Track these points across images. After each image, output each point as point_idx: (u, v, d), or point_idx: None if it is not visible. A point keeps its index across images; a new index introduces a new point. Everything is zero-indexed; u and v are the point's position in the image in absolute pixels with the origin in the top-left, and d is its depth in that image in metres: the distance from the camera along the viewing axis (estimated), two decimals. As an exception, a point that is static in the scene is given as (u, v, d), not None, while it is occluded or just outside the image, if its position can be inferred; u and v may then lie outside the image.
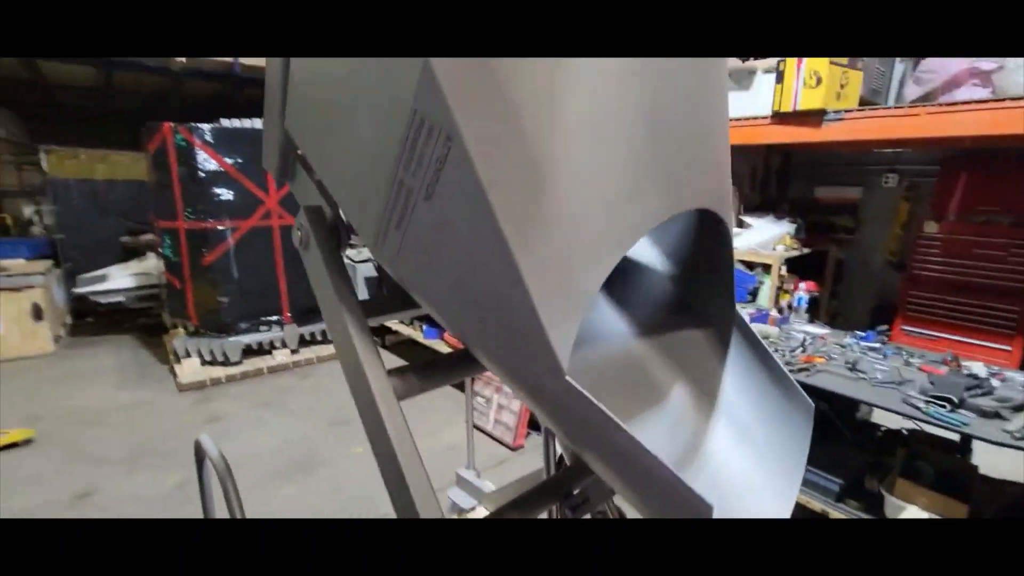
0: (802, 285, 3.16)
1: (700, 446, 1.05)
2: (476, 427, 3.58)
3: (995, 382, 2.07)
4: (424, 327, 4.63)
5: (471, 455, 2.57)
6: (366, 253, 5.79)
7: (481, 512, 2.02)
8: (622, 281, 1.29)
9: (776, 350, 2.51)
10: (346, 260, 5.25)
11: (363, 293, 5.19)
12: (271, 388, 4.32)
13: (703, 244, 1.17)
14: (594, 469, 0.86)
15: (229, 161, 4.21)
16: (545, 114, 0.69)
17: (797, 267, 4.23)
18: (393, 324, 5.01)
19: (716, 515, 0.95)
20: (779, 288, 3.74)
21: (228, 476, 1.42)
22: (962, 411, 1.89)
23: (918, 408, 1.93)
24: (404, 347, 5.22)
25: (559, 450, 1.38)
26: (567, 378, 0.71)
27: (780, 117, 3.14)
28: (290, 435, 3.51)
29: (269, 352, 4.71)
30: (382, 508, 2.76)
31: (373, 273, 5.28)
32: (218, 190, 4.20)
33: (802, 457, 0.99)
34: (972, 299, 3.54)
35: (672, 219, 1.30)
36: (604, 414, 0.70)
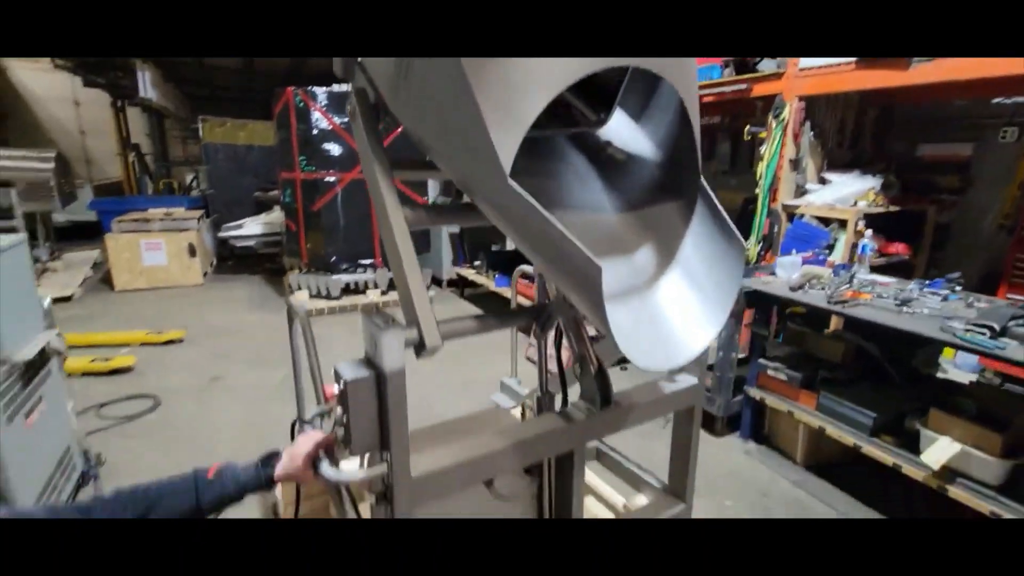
0: (868, 232, 3.01)
1: (653, 285, 1.26)
2: (527, 359, 3.87)
3: None
4: (496, 276, 5.00)
5: (515, 364, 2.86)
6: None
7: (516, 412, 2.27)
8: (619, 170, 1.50)
9: (823, 288, 2.49)
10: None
11: (446, 245, 5.67)
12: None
13: (681, 128, 1.34)
14: (541, 267, 1.11)
15: (338, 121, 4.84)
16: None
17: (887, 227, 3.95)
18: (471, 275, 5.45)
19: (651, 331, 1.16)
20: (855, 245, 3.55)
21: (307, 323, 1.85)
22: (1003, 339, 1.82)
23: (955, 334, 1.88)
24: (480, 298, 5.64)
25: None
26: (508, 181, 0.97)
27: (864, 61, 2.98)
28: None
29: (363, 291, 5.36)
30: (437, 410, 3.19)
31: (456, 230, 5.73)
32: (327, 146, 4.85)
33: (734, 289, 1.16)
34: (1094, 263, 3.12)
35: (661, 111, 1.49)
36: (530, 204, 0.94)
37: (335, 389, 1.10)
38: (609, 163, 1.53)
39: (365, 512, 1.40)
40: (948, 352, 3.62)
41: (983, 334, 1.84)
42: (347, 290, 5.31)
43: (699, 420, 1.70)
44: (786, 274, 2.73)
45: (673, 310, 1.19)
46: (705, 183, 1.30)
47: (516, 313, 1.35)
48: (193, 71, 8.32)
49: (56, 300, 4.04)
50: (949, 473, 1.97)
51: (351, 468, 1.11)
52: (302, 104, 4.74)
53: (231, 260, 7.26)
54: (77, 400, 2.59)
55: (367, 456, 1.15)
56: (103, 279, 6.12)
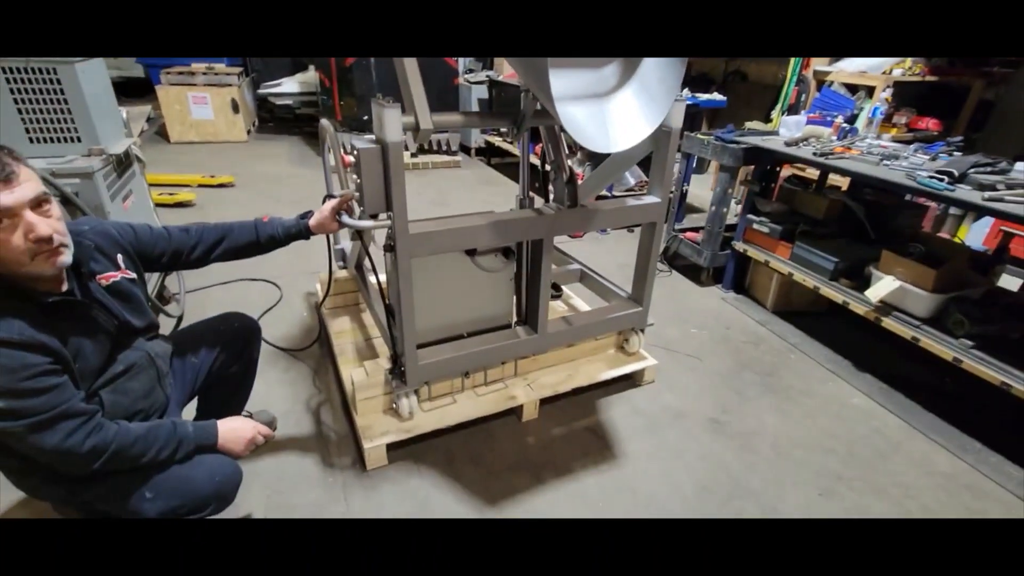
0: (882, 96, 2.99)
1: (612, 92, 1.48)
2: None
3: (1020, 166, 2.04)
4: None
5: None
6: (479, 75, 6.21)
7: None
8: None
9: (810, 143, 2.59)
10: (463, 82, 5.71)
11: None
12: (394, 179, 5.26)
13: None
14: (522, 76, 1.35)
15: (367, -32, 4.74)
16: None
17: (922, 100, 3.82)
18: (498, 142, 5.59)
19: (602, 124, 1.40)
20: (882, 116, 3.51)
21: (334, 137, 2.16)
22: (960, 185, 1.96)
23: (916, 181, 2.04)
24: (507, 167, 5.82)
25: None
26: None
27: None
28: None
29: (395, 153, 5.61)
30: None
31: (485, 95, 5.76)
32: (358, -3, 4.81)
33: (674, 90, 1.38)
34: None
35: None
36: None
37: (349, 158, 1.43)
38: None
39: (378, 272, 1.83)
40: (962, 231, 3.67)
41: (941, 180, 1.99)
42: (380, 150, 5.56)
43: (660, 236, 2.00)
44: (789, 133, 2.82)
45: (621, 113, 1.42)
46: None
47: (496, 113, 1.61)
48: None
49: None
50: (887, 308, 2.24)
51: (366, 221, 1.47)
52: (332, -51, 4.64)
53: (272, 121, 7.54)
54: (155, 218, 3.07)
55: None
56: (158, 132, 6.55)
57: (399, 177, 1.40)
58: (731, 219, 3.10)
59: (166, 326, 2.37)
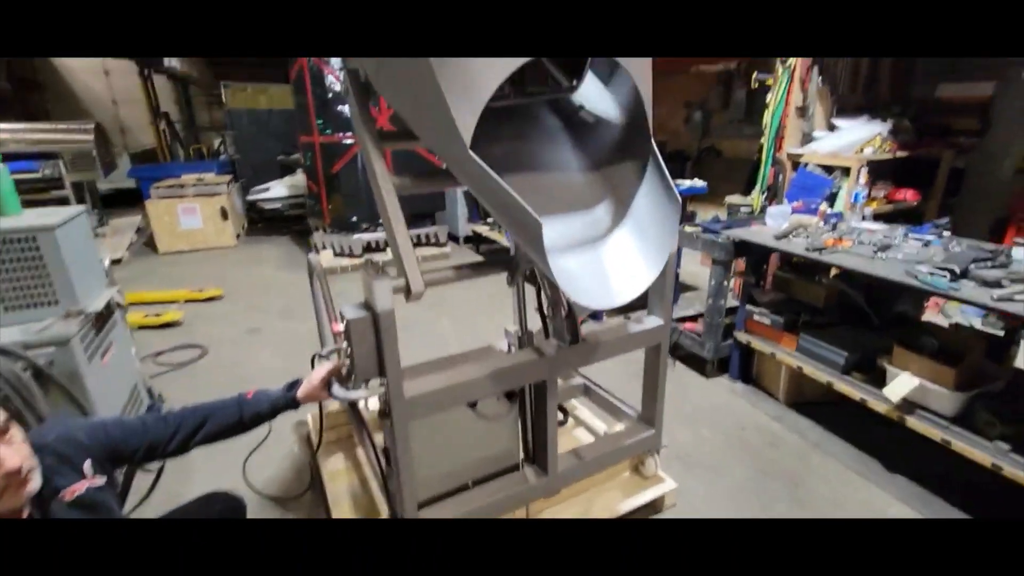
0: (861, 180, 3.05)
1: (607, 235, 1.45)
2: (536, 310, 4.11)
3: (1020, 256, 2.02)
4: (507, 233, 5.18)
5: (520, 315, 3.10)
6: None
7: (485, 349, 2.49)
8: (588, 132, 1.66)
9: (807, 236, 2.59)
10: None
11: (461, 205, 5.85)
12: (385, 276, 5.25)
13: (638, 94, 1.49)
14: (504, 224, 1.32)
15: (350, 83, 4.98)
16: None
17: (897, 173, 3.93)
18: (485, 231, 5.66)
19: (600, 275, 1.35)
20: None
21: (323, 276, 2.11)
22: (963, 281, 1.93)
23: (916, 277, 2.01)
24: (495, 253, 5.86)
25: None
26: (468, 150, 1.16)
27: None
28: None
29: (383, 250, 5.64)
30: (451, 347, 3.49)
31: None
32: (343, 108, 5.01)
33: (672, 240, 1.34)
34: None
35: (621, 80, 1.63)
36: (483, 169, 1.14)
37: (340, 327, 1.36)
38: (580, 125, 1.69)
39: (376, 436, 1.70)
40: (954, 303, 3.66)
41: (944, 277, 1.96)
42: (368, 248, 5.59)
43: (665, 357, 1.92)
44: (775, 223, 2.84)
45: (619, 259, 1.38)
46: (654, 144, 1.46)
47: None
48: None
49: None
50: (908, 405, 2.14)
51: (358, 391, 1.38)
52: (316, 69, 4.89)
53: (261, 222, 7.64)
54: (137, 349, 2.97)
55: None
56: (147, 243, 6.58)
57: (392, 344, 1.33)
58: (729, 301, 3.05)
59: (145, 480, 2.20)
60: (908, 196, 3.90)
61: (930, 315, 3.58)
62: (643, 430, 1.99)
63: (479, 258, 5.78)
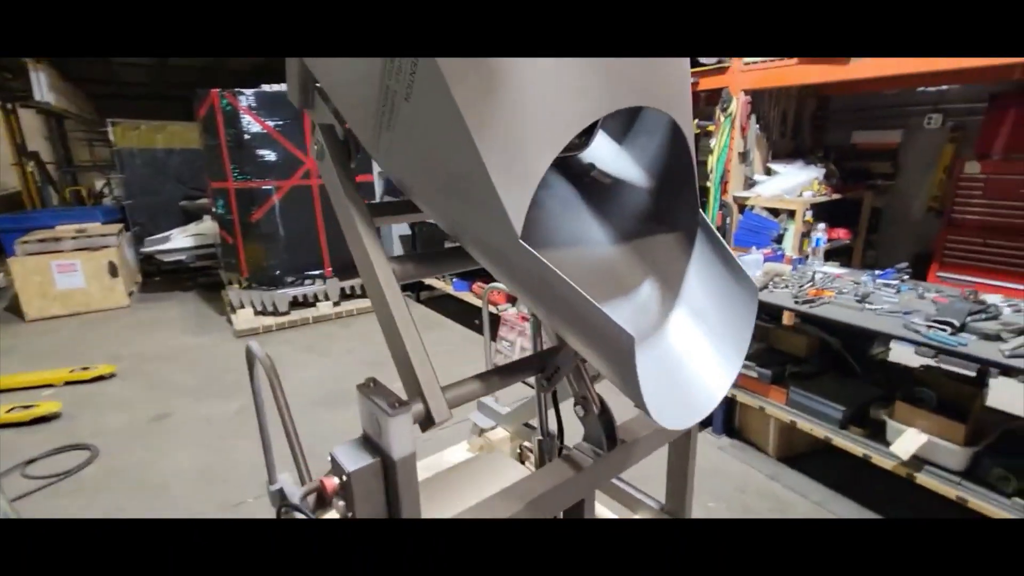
0: (820, 225, 3.14)
1: (659, 326, 1.20)
2: (496, 359, 3.81)
3: (1006, 310, 2.07)
4: (454, 281, 4.87)
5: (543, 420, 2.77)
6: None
7: (500, 432, 2.19)
8: (607, 199, 1.42)
9: (787, 286, 2.56)
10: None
11: (397, 248, 5.47)
12: (315, 335, 4.69)
13: (674, 156, 1.28)
14: (550, 325, 1.03)
15: (271, 124, 4.49)
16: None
17: (828, 214, 4.14)
18: (426, 280, 5.28)
19: (665, 381, 1.09)
20: (804, 235, 3.70)
21: (273, 372, 1.68)
22: (963, 335, 1.92)
23: (918, 332, 1.98)
24: (436, 301, 5.48)
25: (545, 340, 1.55)
26: (519, 240, 0.87)
27: (805, 57, 3.07)
28: (330, 373, 3.85)
29: (313, 304, 5.08)
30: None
31: (407, 231, 5.54)
32: (262, 151, 4.50)
33: (748, 330, 1.12)
34: (1014, 242, 3.41)
35: (647, 135, 1.42)
36: (548, 268, 0.85)
37: (334, 481, 0.98)
38: (595, 188, 1.46)
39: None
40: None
41: (944, 331, 1.94)
42: (295, 303, 5.01)
43: (695, 441, 1.69)
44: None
45: (688, 356, 1.14)
46: (704, 215, 1.25)
47: (520, 366, 1.26)
48: (98, 70, 7.50)
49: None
50: (916, 461, 2.08)
51: None
52: (229, 107, 4.36)
53: (159, 276, 6.69)
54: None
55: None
56: (9, 307, 5.46)
57: (412, 499, 0.97)
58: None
59: None
60: (842, 235, 4.12)
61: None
62: (671, 526, 1.73)
63: (435, 313, 5.39)
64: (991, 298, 2.20)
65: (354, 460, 0.96)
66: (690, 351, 1.16)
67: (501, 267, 0.99)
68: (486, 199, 0.87)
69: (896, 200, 4.34)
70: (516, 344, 3.76)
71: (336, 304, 5.15)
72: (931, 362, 3.40)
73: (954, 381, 2.24)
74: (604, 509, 2.12)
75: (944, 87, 3.99)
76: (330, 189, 1.19)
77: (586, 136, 1.40)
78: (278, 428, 1.58)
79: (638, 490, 1.94)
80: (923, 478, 2.04)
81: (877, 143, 4.38)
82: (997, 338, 1.86)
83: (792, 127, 4.41)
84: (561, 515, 1.40)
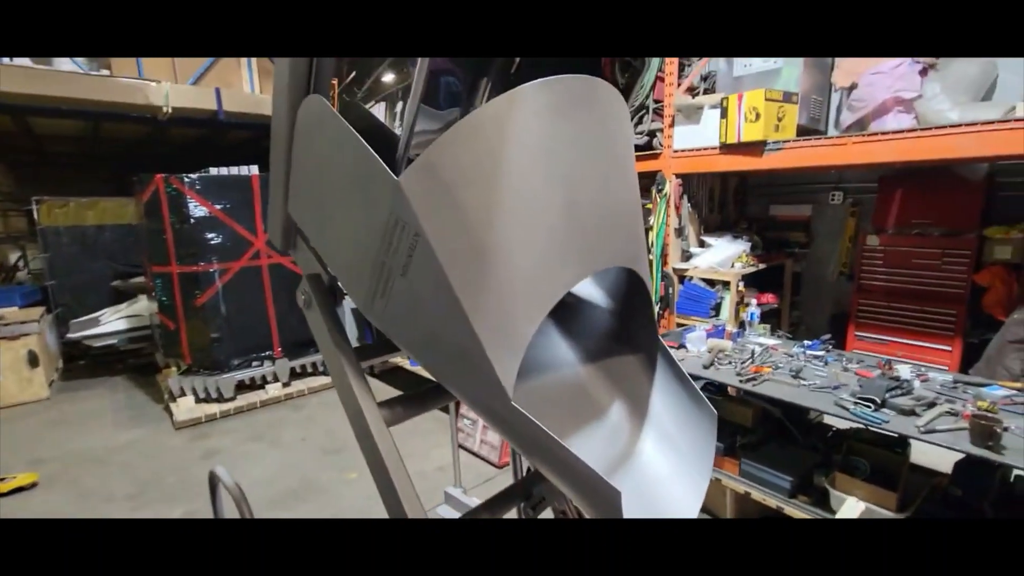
0: (752, 301, 3.45)
1: (632, 451, 1.30)
2: (463, 447, 3.78)
3: (916, 383, 2.36)
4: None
5: (457, 474, 2.78)
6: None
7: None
8: (572, 317, 1.55)
9: (730, 362, 2.77)
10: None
11: (350, 325, 5.40)
12: (265, 421, 4.48)
13: (632, 287, 1.43)
14: (541, 471, 1.11)
15: (218, 206, 4.43)
16: (485, 210, 0.95)
17: (757, 281, 4.54)
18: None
19: (641, 506, 1.19)
20: (739, 303, 4.02)
21: (243, 500, 1.63)
22: (884, 410, 2.16)
23: (847, 409, 2.20)
24: (391, 374, 5.41)
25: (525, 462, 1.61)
26: (512, 403, 0.96)
27: (727, 148, 3.46)
28: (285, 465, 3.67)
29: (262, 387, 4.87)
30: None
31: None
32: (208, 234, 4.41)
33: (710, 455, 1.25)
34: (914, 304, 3.87)
35: (605, 269, 1.58)
36: (540, 429, 0.94)
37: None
38: (561, 310, 1.58)
39: None
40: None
41: (868, 407, 2.17)
42: (241, 387, 4.79)
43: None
44: (695, 348, 3.00)
45: (661, 481, 1.24)
46: (663, 341, 1.39)
47: (503, 498, 1.31)
48: (18, 138, 7.12)
49: None
50: (858, 527, 2.26)
51: None
52: (175, 191, 4.28)
53: (83, 360, 6.19)
54: None
55: None
56: (-99, 408, 4.86)
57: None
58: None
59: None
60: (770, 299, 4.50)
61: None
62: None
63: (391, 388, 5.28)
64: (903, 370, 2.50)
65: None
66: (662, 476, 1.26)
67: (489, 417, 1.07)
68: (479, 365, 0.96)
69: (812, 266, 4.83)
70: (478, 423, 3.77)
71: (286, 385, 4.97)
72: (859, 426, 3.71)
73: (881, 448, 2.49)
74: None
75: (842, 169, 4.58)
76: (317, 336, 1.24)
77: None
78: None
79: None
80: (866, 544, 2.21)
81: (792, 216, 4.90)
82: (912, 413, 2.11)
83: (719, 203, 4.86)
84: None
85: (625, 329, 1.47)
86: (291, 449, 3.96)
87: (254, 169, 4.71)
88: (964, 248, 3.63)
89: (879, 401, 2.16)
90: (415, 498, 1.07)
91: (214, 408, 4.50)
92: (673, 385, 1.33)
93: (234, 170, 4.65)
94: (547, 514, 1.49)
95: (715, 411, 1.25)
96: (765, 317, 4.29)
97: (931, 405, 2.14)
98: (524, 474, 1.56)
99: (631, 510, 1.18)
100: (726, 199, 4.92)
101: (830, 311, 4.72)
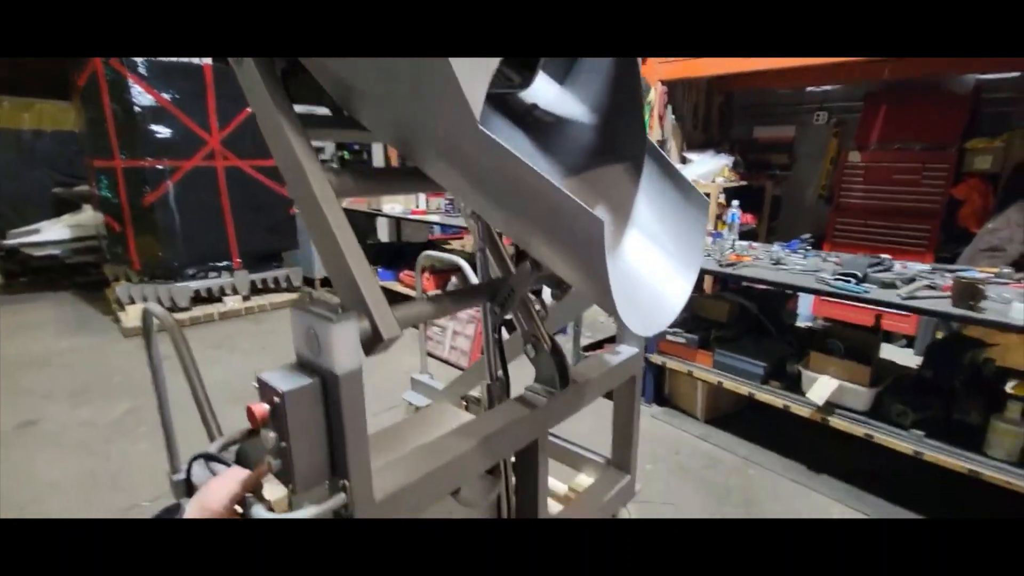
0: (735, 203, 3.35)
1: (616, 249, 1.17)
2: (432, 355, 3.67)
3: (896, 264, 2.31)
4: (379, 270, 4.66)
5: (423, 360, 2.66)
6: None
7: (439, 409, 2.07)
8: (550, 134, 1.38)
9: (708, 255, 2.69)
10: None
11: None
12: (223, 332, 4.26)
13: (619, 84, 1.26)
14: (515, 232, 0.97)
15: (166, 96, 4.04)
16: None
17: (741, 200, 4.46)
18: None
19: (628, 305, 1.07)
20: (718, 216, 3.93)
21: (178, 331, 1.46)
22: (865, 284, 2.11)
23: (827, 284, 2.14)
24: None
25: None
26: (479, 128, 0.79)
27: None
28: (245, 368, 3.51)
29: (220, 299, 4.62)
30: None
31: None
32: (155, 127, 4.03)
33: (700, 242, 1.13)
34: (889, 222, 3.85)
35: (590, 72, 1.40)
36: (508, 152, 0.79)
37: (263, 407, 0.84)
38: (539, 128, 1.42)
39: None
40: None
41: (849, 281, 2.11)
42: (198, 299, 4.53)
43: (640, 389, 1.70)
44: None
45: (646, 273, 1.12)
46: (652, 141, 1.25)
47: (469, 291, 1.17)
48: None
49: None
50: (828, 407, 2.24)
51: (302, 511, 0.84)
52: (116, 75, 3.86)
53: (25, 277, 5.78)
54: None
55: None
56: None
57: (358, 423, 0.85)
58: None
59: None
60: (749, 219, 4.44)
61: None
62: (617, 478, 1.72)
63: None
64: (883, 258, 2.45)
65: (287, 381, 0.83)
66: (647, 269, 1.14)
67: (459, 171, 0.91)
68: (440, 88, 0.79)
69: (792, 188, 4.77)
70: (448, 329, 3.65)
71: (246, 299, 4.73)
72: (812, 324, 3.72)
73: (856, 331, 2.47)
74: (556, 482, 2.08)
75: (828, 87, 4.45)
76: (251, 96, 1.04)
77: (527, 74, 1.35)
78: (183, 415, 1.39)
79: (583, 448, 1.92)
80: (835, 421, 2.20)
81: (775, 137, 4.79)
82: (893, 286, 2.06)
83: (703, 121, 4.70)
84: (513, 458, 1.33)
85: (609, 139, 1.32)
86: (252, 355, 3.78)
87: (207, 60, 4.28)
88: (944, 162, 3.59)
89: (860, 275, 2.10)
90: (370, 275, 0.92)
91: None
92: (660, 180, 1.20)
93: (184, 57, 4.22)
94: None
95: (706, 198, 1.13)
96: (742, 236, 4.24)
97: (911, 281, 2.10)
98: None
99: (618, 295, 1.06)
100: (710, 117, 4.76)
101: (807, 232, 4.69)
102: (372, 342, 0.88)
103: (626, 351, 1.63)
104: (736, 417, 2.79)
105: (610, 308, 0.90)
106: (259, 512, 0.83)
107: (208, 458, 0.94)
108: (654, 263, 1.14)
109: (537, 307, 1.34)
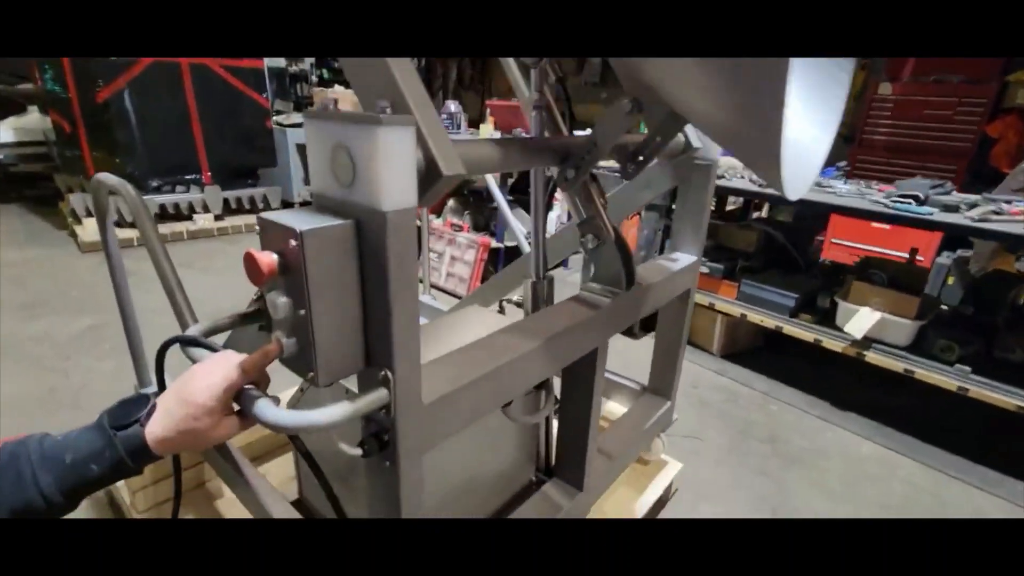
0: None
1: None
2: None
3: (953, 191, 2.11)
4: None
5: (427, 279, 2.41)
6: (294, 117, 5.21)
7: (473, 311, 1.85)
8: None
9: (743, 176, 2.45)
10: (276, 125, 4.67)
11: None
12: (194, 251, 3.90)
13: None
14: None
15: (119, -27, 3.45)
16: None
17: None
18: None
19: (791, 167, 0.85)
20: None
21: (140, 203, 1.18)
22: (926, 207, 1.91)
23: (886, 206, 1.94)
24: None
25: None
26: None
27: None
28: (218, 288, 3.20)
29: (189, 217, 4.21)
30: None
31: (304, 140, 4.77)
32: (108, 10, 3.46)
33: (842, 96, 0.89)
34: (914, 160, 3.65)
35: None
36: None
37: (271, 258, 0.57)
38: None
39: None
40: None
41: (909, 203, 1.91)
42: (165, 215, 4.12)
43: (692, 306, 1.49)
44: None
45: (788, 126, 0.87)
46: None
47: (539, 146, 0.89)
48: None
49: None
50: (864, 341, 2.09)
51: (329, 410, 0.59)
52: (56, -58, 3.25)
53: (-34, 186, 5.20)
54: None
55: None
56: None
57: (408, 294, 0.59)
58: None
59: None
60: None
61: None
62: (657, 404, 1.54)
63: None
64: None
65: (309, 220, 0.56)
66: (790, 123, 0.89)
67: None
68: None
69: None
70: (445, 254, 3.38)
71: (219, 218, 4.32)
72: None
73: (894, 265, 2.30)
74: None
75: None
76: None
77: None
78: (151, 326, 1.10)
79: (616, 374, 1.73)
80: (872, 356, 2.06)
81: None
82: (956, 209, 1.87)
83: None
84: (568, 372, 1.11)
85: None
86: (224, 275, 3.46)
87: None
88: (982, 96, 3.36)
89: (923, 197, 1.89)
90: (436, 121, 0.63)
91: (130, 233, 3.83)
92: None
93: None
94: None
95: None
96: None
97: (974, 206, 1.90)
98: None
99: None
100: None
101: (843, 162, 4.50)
102: (427, 179, 0.61)
103: (683, 259, 1.40)
104: (753, 355, 2.65)
105: (773, 162, 0.65)
106: (266, 411, 0.58)
107: (188, 342, 0.68)
108: (793, 114, 0.89)
109: (601, 195, 1.08)
